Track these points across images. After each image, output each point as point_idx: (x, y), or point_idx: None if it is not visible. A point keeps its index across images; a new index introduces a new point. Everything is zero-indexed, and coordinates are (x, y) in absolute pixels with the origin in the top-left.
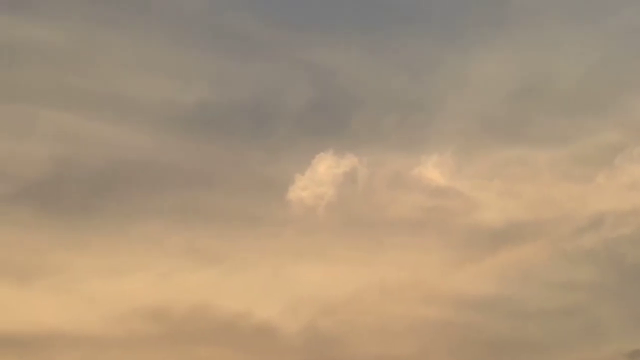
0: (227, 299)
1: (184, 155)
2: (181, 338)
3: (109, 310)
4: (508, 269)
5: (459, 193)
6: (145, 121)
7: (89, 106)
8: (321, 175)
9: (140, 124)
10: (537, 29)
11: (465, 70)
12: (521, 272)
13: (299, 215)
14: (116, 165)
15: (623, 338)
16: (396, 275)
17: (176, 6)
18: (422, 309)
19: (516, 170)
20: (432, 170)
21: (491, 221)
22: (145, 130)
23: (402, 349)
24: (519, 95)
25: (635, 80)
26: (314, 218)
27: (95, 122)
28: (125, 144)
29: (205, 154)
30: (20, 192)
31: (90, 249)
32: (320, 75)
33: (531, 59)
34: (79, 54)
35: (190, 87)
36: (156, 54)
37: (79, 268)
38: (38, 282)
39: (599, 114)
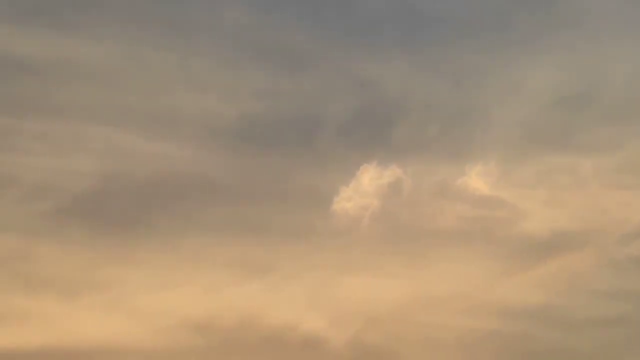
0: (273, 311)
1: (230, 169)
2: (228, 350)
3: (156, 324)
4: (554, 279)
5: (503, 202)
6: (191, 135)
7: (135, 122)
8: (365, 186)
9: (186, 138)
10: (586, 34)
11: (509, 78)
12: (568, 281)
13: (344, 227)
14: (163, 179)
15: None
16: (441, 286)
17: (221, 21)
18: (467, 320)
19: (562, 179)
20: (477, 179)
21: (536, 230)
22: (191, 145)
23: (447, 359)
24: (565, 103)
25: None
26: (359, 229)
27: (142, 138)
28: (172, 158)
29: (251, 167)
30: (69, 207)
31: (137, 263)
32: (363, 87)
33: (579, 65)
34: (125, 71)
35: (235, 101)
36: (201, 69)
37: (127, 283)
38: (85, 297)
39: None
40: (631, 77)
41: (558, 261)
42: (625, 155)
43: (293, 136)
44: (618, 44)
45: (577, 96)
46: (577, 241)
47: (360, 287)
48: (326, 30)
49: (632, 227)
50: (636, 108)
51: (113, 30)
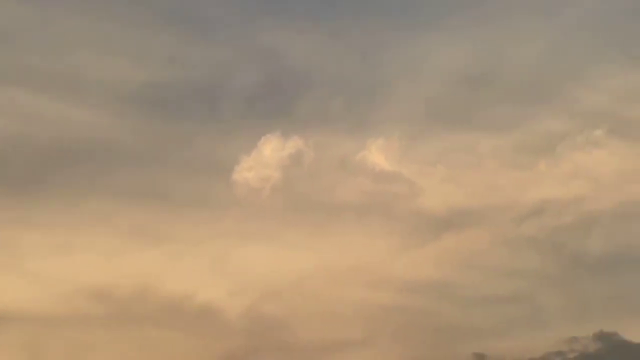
0: (172, 279)
1: (134, 135)
2: (125, 318)
3: (54, 289)
4: (451, 255)
5: (404, 178)
6: (96, 99)
7: (40, 84)
8: (267, 157)
9: (90, 102)
10: (489, 17)
11: (414, 56)
12: (464, 258)
13: (245, 197)
14: (65, 142)
15: (562, 324)
16: (340, 259)
17: None
18: (367, 294)
19: (461, 157)
20: (378, 154)
21: (435, 207)
22: (95, 109)
23: (346, 333)
24: (467, 82)
25: (580, 71)
26: (260, 200)
27: (45, 99)
28: (74, 121)
29: (155, 133)
30: None
31: (35, 226)
32: (270, 58)
33: (481, 47)
34: (32, 31)
35: (142, 67)
36: (110, 33)
37: (25, 245)
38: None
39: (544, 103)
40: (532, 59)
41: (455, 238)
42: (522, 135)
43: (198, 104)
44: (521, 27)
45: (479, 76)
46: (474, 219)
47: (260, 257)
48: (236, 1)
49: (527, 207)
50: (535, 89)
51: None
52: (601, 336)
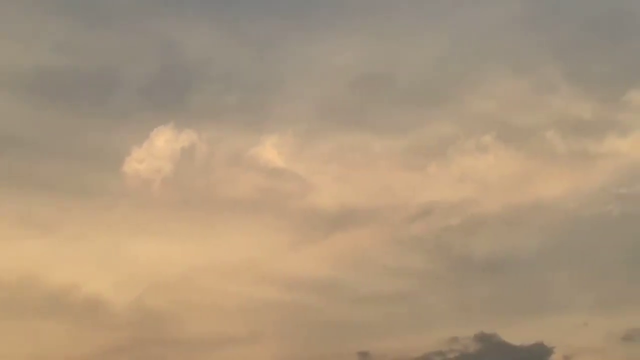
0: (56, 270)
1: (20, 122)
2: (8, 308)
3: None
4: (341, 253)
5: (296, 175)
6: None
7: None
8: (159, 149)
9: None
10: (385, 19)
11: (310, 55)
12: (354, 256)
13: (135, 189)
14: None
15: (445, 325)
16: (231, 254)
17: None
18: (255, 290)
19: (354, 157)
20: (271, 151)
21: (326, 205)
22: None
23: (234, 328)
24: (362, 83)
25: (471, 77)
26: (150, 192)
27: None
28: None
29: (43, 121)
30: None
31: None
32: (165, 49)
33: (377, 49)
34: None
35: (31, 52)
36: None
37: None
38: None
39: (436, 107)
40: (426, 64)
41: (346, 236)
42: (414, 138)
43: (89, 92)
44: (416, 31)
45: (374, 77)
46: (365, 218)
47: (149, 250)
48: None
49: (416, 208)
50: (428, 93)
51: None
52: (481, 337)
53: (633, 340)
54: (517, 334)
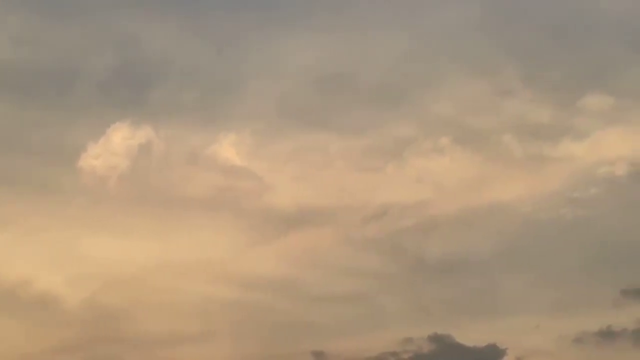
0: (8, 266)
1: None
2: None
3: None
4: (298, 253)
5: (254, 174)
6: None
7: None
8: (116, 145)
9: None
10: (347, 21)
11: (270, 53)
12: (310, 256)
13: (91, 185)
14: None
15: (399, 325)
16: (187, 253)
17: None
18: (210, 288)
19: (312, 156)
20: (229, 149)
21: (284, 204)
22: None
23: (188, 327)
24: (322, 83)
25: (430, 80)
26: (106, 189)
27: None
28: None
29: None
30: None
31: None
32: (124, 45)
33: (337, 49)
34: None
35: None
36: None
37: None
38: None
39: (395, 109)
40: (385, 65)
41: (302, 236)
42: (372, 139)
43: (46, 87)
44: (377, 33)
45: (334, 78)
46: (322, 218)
47: (103, 247)
48: None
49: (373, 209)
50: (387, 95)
51: None
52: (435, 338)
53: (584, 343)
54: (471, 336)
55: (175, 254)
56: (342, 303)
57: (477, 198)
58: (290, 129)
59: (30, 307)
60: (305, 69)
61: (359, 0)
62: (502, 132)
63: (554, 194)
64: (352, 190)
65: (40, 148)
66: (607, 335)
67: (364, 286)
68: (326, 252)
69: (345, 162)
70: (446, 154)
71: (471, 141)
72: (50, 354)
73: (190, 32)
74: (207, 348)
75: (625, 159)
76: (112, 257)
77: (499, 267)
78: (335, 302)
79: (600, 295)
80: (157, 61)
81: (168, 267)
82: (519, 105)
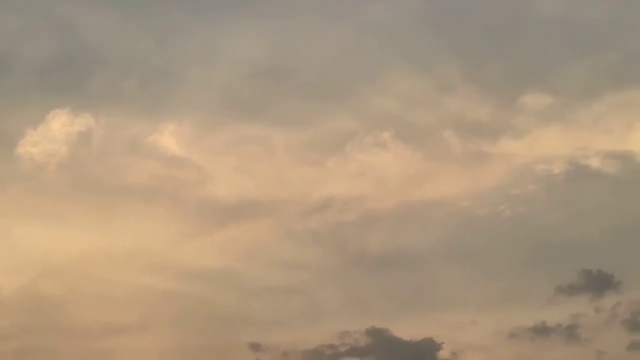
0: None
1: None
2: None
3: None
4: (237, 245)
5: (194, 165)
6: None
7: None
8: (54, 132)
9: None
10: (289, 12)
11: (212, 44)
12: (249, 248)
13: (28, 173)
14: None
15: (337, 318)
16: (124, 242)
17: None
18: (148, 279)
19: (253, 148)
20: (169, 138)
21: (223, 196)
22: None
23: (124, 317)
24: (264, 75)
25: (372, 74)
26: (44, 176)
27: None
28: None
29: None
30: None
31: None
32: (64, 31)
33: (280, 41)
34: None
35: None
36: None
37: None
38: None
39: (337, 102)
40: (328, 59)
41: (241, 228)
42: (313, 132)
43: None
44: (320, 25)
45: (276, 70)
46: (262, 210)
47: (40, 235)
48: None
49: (314, 202)
50: (329, 88)
51: None
52: (373, 332)
53: (518, 338)
54: (408, 330)
55: (112, 243)
56: (281, 296)
57: (417, 193)
58: (232, 120)
59: None
60: (248, 60)
61: None
62: (443, 128)
63: (493, 191)
64: (293, 183)
65: None
66: (542, 330)
67: (302, 279)
68: (265, 245)
69: (286, 155)
70: (387, 148)
71: (412, 137)
72: None
73: (131, 19)
74: (144, 339)
75: (562, 157)
76: (49, 246)
77: (437, 262)
78: (274, 294)
79: (535, 291)
80: (98, 48)
81: (105, 256)
82: (460, 102)
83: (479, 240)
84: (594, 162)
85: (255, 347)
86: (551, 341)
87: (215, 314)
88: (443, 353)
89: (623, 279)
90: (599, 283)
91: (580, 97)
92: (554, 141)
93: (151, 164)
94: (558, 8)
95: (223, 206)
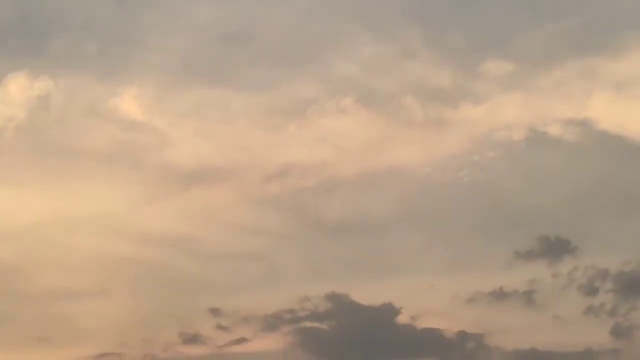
0: None
1: None
2: None
3: None
4: (197, 210)
5: (154, 129)
6: None
7: None
8: (12, 96)
9: None
10: None
11: (172, 7)
12: (209, 213)
13: None
14: None
15: (297, 284)
16: (83, 207)
17: None
18: (107, 244)
19: (213, 113)
20: (130, 102)
21: (183, 161)
22: None
23: (83, 282)
24: (224, 39)
25: (334, 38)
26: (1, 141)
27: None
28: None
29: None
30: None
31: None
32: None
33: (241, 6)
34: None
35: None
36: None
37: None
38: None
39: (298, 67)
40: (288, 23)
41: (202, 193)
42: (274, 97)
43: None
44: None
45: (236, 34)
46: (222, 175)
47: None
48: None
49: (274, 168)
50: (290, 53)
51: None
52: (332, 297)
53: (476, 302)
54: (367, 295)
55: (71, 208)
56: (241, 261)
57: (377, 159)
58: (192, 84)
59: None
60: (209, 25)
61: None
62: (404, 95)
63: (453, 157)
64: (253, 149)
65: None
66: (499, 295)
67: (262, 244)
68: (225, 210)
69: (247, 120)
70: (348, 114)
71: (373, 103)
72: None
73: None
74: (103, 304)
75: (523, 124)
76: (6, 210)
77: (396, 227)
78: (234, 259)
79: (493, 256)
80: (57, 11)
81: (64, 221)
82: (421, 68)
83: (438, 206)
84: (554, 129)
85: (215, 312)
86: (509, 306)
87: (175, 279)
88: (402, 317)
89: (580, 244)
90: (556, 249)
91: (540, 64)
92: (514, 108)
93: (111, 128)
94: None
95: (183, 171)
